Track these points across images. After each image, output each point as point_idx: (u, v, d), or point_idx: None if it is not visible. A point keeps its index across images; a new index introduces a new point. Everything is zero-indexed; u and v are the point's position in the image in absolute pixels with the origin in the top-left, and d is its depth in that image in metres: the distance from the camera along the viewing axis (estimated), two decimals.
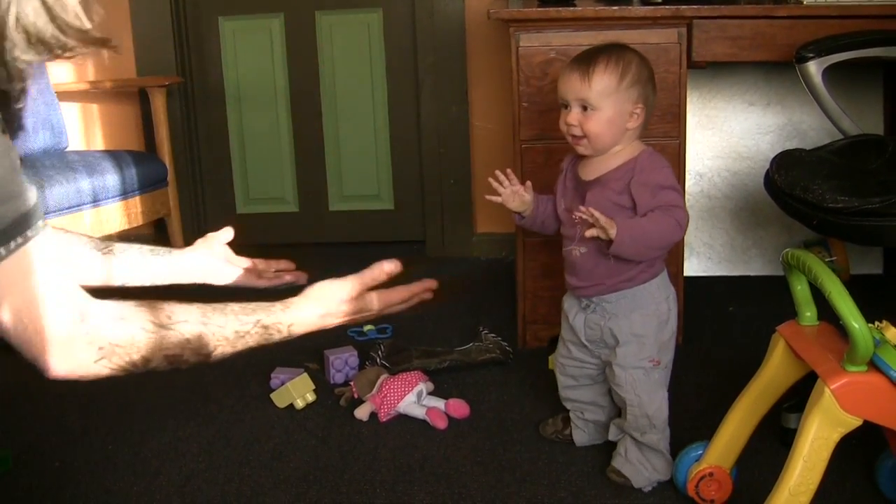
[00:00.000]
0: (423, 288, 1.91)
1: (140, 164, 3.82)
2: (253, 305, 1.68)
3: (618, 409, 2.58)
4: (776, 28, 3.04)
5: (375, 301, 1.83)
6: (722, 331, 3.39)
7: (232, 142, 4.45)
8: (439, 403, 2.88)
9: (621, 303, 2.45)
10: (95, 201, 3.64)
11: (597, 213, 2.30)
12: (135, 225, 3.84)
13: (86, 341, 1.46)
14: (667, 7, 3.03)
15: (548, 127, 3.08)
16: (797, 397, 2.39)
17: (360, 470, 2.61)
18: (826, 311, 2.15)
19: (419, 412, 2.84)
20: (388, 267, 1.86)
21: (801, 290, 2.19)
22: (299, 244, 4.45)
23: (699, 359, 3.17)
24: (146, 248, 2.06)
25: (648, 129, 3.04)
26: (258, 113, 4.41)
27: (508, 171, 2.62)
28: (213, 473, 2.63)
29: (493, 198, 2.61)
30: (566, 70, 2.46)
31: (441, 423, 2.81)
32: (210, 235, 2.17)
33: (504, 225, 4.13)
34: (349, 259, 4.16)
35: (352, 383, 2.98)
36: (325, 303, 1.78)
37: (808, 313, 2.19)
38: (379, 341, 3.25)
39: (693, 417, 2.76)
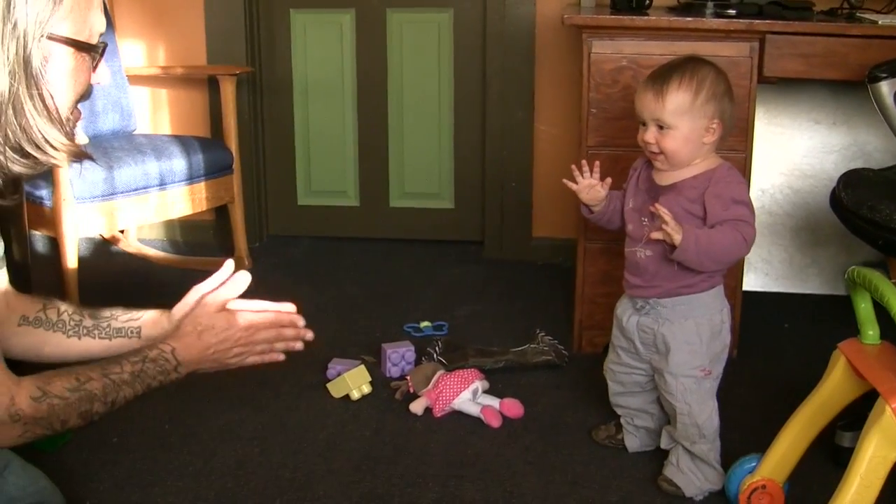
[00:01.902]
0: (272, 359, 2.09)
1: (207, 151, 3.87)
2: (141, 346, 1.90)
3: (667, 417, 2.59)
4: (848, 47, 3.02)
5: (253, 348, 2.03)
6: (776, 347, 3.38)
7: (297, 134, 4.48)
8: (494, 402, 2.90)
9: (677, 308, 2.46)
10: (162, 184, 3.70)
11: (668, 216, 2.32)
12: (199, 210, 3.90)
13: (11, 422, 1.66)
14: (740, 21, 3.03)
15: (615, 134, 3.10)
16: (852, 416, 2.40)
17: (413, 463, 2.64)
18: (887, 332, 2.16)
19: (474, 410, 2.86)
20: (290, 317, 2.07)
21: (864, 308, 2.19)
22: (358, 238, 4.48)
23: (752, 373, 3.17)
24: (117, 323, 2.07)
25: None
26: (324, 106, 4.45)
27: (596, 162, 2.64)
28: (267, 458, 2.66)
29: (570, 184, 2.64)
30: (641, 88, 2.47)
31: (495, 422, 2.83)
32: (197, 289, 2.09)
33: (562, 230, 4.15)
34: (409, 256, 4.25)
35: (408, 377, 3.00)
36: (208, 329, 1.95)
37: (871, 332, 2.19)
38: (436, 338, 3.28)
39: (744, 431, 2.76)
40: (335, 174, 4.52)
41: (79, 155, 1.70)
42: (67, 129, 1.66)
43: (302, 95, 4.44)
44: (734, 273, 3.17)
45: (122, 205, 3.61)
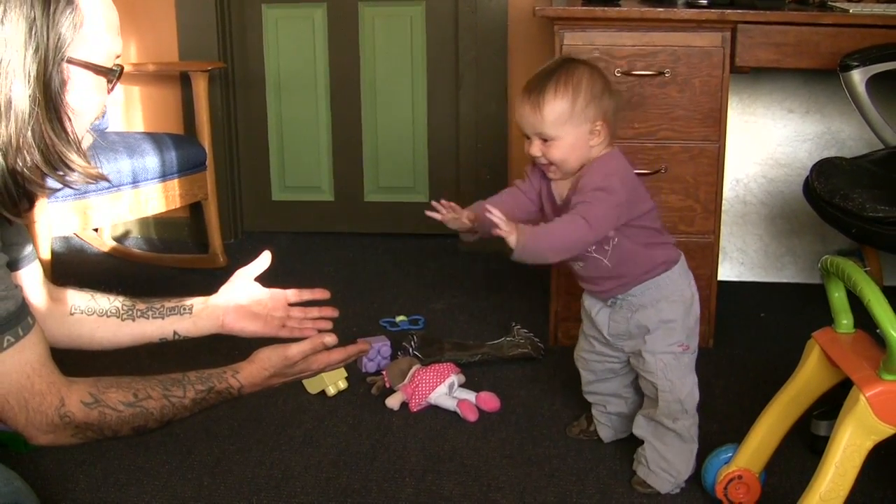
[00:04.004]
0: (358, 350, 2.03)
1: (180, 148, 3.85)
2: (208, 373, 1.89)
3: (641, 400, 2.59)
4: (821, 36, 3.03)
5: (315, 363, 1.97)
6: (753, 336, 3.39)
7: (270, 129, 4.47)
8: (470, 396, 2.89)
9: (647, 293, 2.45)
10: (135, 182, 3.68)
11: (498, 219, 2.29)
12: (173, 207, 3.88)
13: (62, 424, 1.69)
14: (712, 11, 3.04)
15: None
16: (828, 405, 2.41)
17: (390, 458, 2.63)
18: (861, 320, 2.16)
19: (450, 404, 2.86)
20: (329, 339, 1.98)
21: (838, 297, 2.19)
22: (333, 233, 4.47)
23: (729, 363, 3.17)
24: (169, 304, 2.16)
25: (688, 132, 3.07)
26: (297, 101, 4.43)
27: (448, 202, 2.54)
28: (244, 455, 2.66)
29: (434, 215, 2.53)
30: (519, 101, 2.41)
31: (472, 416, 2.82)
32: (240, 272, 2.23)
33: None
34: (384, 250, 4.24)
35: (384, 372, 3.00)
36: (271, 366, 1.93)
37: (845, 321, 2.20)
38: (412, 332, 3.27)
39: (721, 421, 2.77)
40: (309, 169, 4.50)
41: (94, 177, 1.74)
42: (84, 150, 1.71)
43: (275, 90, 4.43)
44: (707, 263, 3.17)
45: (95, 203, 3.59)
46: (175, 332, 2.13)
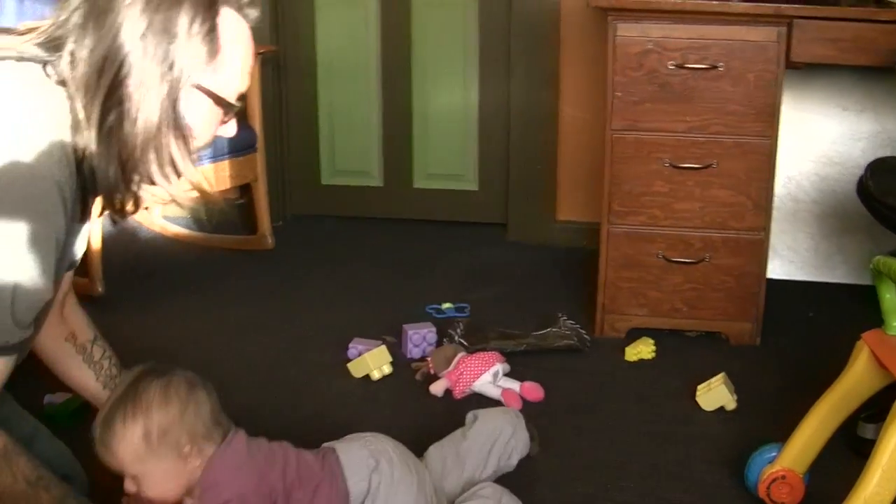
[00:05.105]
0: None
1: None
2: None
3: None
4: (877, 32, 2.99)
5: None
6: (800, 336, 3.36)
7: (321, 113, 4.47)
8: (514, 385, 2.89)
9: None
10: None
11: None
12: (223, 188, 3.90)
13: None
14: (768, 5, 3.00)
15: (640, 118, 3.09)
16: (875, 407, 2.38)
17: (432, 444, 2.63)
18: None
19: (494, 392, 2.86)
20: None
21: (889, 298, 2.17)
22: (381, 219, 4.47)
23: (776, 361, 3.15)
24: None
25: (741, 127, 3.05)
26: (348, 86, 4.43)
27: None
28: (284, 438, 2.65)
29: None
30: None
31: (515, 405, 2.82)
32: None
33: (586, 214, 4.12)
34: (432, 238, 4.24)
35: (428, 359, 3.00)
36: None
37: (895, 323, 2.17)
38: (457, 320, 3.27)
39: (765, 419, 2.76)
40: (359, 154, 4.51)
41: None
42: (198, 169, 1.81)
43: (326, 74, 4.43)
44: (757, 259, 3.15)
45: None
46: None
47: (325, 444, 2.25)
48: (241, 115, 3.95)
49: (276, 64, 4.34)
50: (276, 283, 3.76)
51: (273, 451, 2.14)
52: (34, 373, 2.09)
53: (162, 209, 4.40)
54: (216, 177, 3.81)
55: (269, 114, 4.23)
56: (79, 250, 1.98)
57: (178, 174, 1.76)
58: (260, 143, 4.01)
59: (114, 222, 1.85)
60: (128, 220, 1.89)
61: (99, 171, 1.73)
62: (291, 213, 4.53)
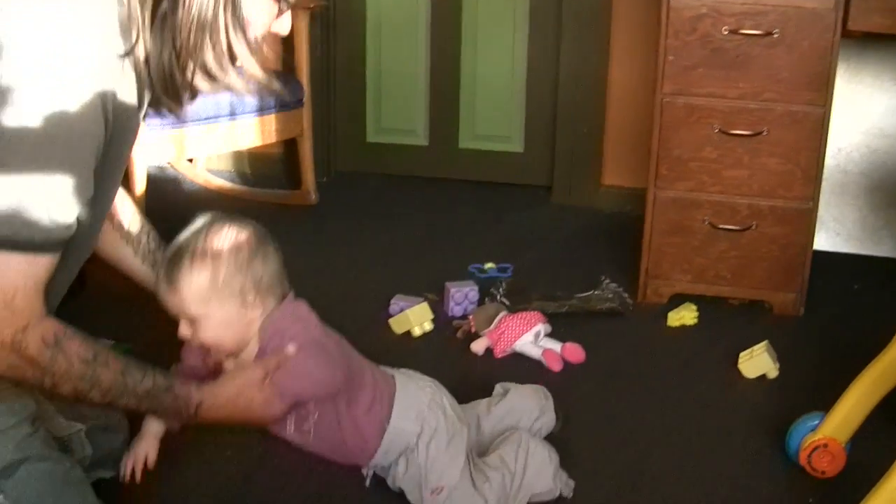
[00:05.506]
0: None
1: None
2: (173, 376, 1.93)
3: None
4: None
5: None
6: (845, 307, 3.33)
7: (368, 70, 4.46)
8: (556, 346, 2.89)
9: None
10: (232, 114, 3.71)
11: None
12: (268, 142, 3.92)
13: (10, 349, 1.67)
14: None
15: (691, 83, 3.07)
16: None
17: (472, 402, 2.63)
18: None
19: (535, 352, 2.86)
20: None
21: None
22: (425, 178, 4.46)
23: (819, 332, 3.13)
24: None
25: (793, 95, 3.02)
26: (397, 44, 4.42)
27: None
28: None
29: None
30: (157, 281, 2.08)
31: (556, 366, 2.82)
32: None
33: (632, 179, 4.10)
34: (476, 198, 4.23)
35: (470, 317, 3.00)
36: (231, 382, 2.01)
37: None
38: (500, 280, 3.27)
39: (808, 389, 2.74)
40: (405, 113, 4.50)
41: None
42: (257, 58, 1.78)
43: (375, 32, 4.41)
44: (805, 230, 3.13)
45: (191, 133, 3.63)
46: None
47: (386, 368, 2.29)
48: (290, 70, 4.00)
49: (326, 19, 4.32)
50: (319, 239, 3.77)
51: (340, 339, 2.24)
52: (78, 319, 2.10)
53: (205, 161, 4.42)
54: (262, 130, 3.82)
55: (316, 69, 4.22)
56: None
57: (234, 62, 1.74)
58: (307, 99, 4.01)
59: (169, 112, 1.82)
60: (184, 112, 1.85)
61: (153, 58, 1.71)
62: (336, 169, 4.54)
